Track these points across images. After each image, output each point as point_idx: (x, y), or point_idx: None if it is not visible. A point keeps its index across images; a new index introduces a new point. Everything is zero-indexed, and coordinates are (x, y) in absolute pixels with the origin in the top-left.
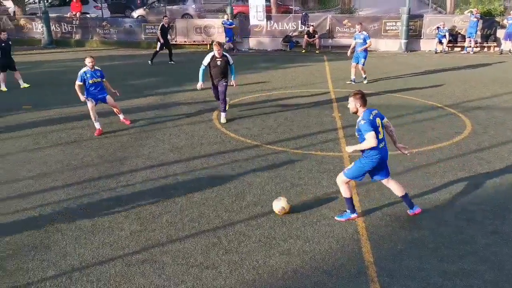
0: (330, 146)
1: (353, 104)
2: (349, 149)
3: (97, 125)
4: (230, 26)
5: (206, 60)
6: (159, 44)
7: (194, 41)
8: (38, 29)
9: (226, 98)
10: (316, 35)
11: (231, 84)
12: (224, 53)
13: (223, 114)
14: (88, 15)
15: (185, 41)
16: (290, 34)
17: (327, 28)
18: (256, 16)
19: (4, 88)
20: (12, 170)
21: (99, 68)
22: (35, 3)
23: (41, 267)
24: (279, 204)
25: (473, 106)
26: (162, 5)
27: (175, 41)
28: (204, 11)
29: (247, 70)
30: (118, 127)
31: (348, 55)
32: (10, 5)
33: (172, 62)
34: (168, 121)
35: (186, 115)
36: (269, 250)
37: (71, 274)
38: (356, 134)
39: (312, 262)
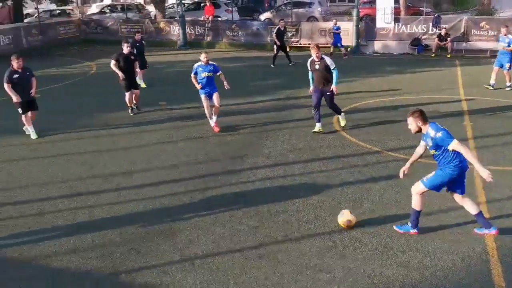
0: None
1: (414, 124)
2: (483, 172)
3: (211, 122)
4: (337, 31)
5: (308, 64)
6: (275, 47)
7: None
8: (175, 31)
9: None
10: (448, 38)
11: (330, 90)
12: (324, 56)
13: (341, 116)
14: (219, 18)
15: (309, 44)
16: (419, 37)
17: (462, 30)
18: (384, 19)
19: (143, 85)
20: (147, 160)
21: (213, 63)
22: (173, 7)
23: (168, 251)
24: (344, 217)
25: None
26: (288, 8)
27: (299, 44)
28: (329, 14)
29: (371, 73)
30: (241, 124)
31: None
32: (152, 10)
33: (292, 63)
34: (289, 121)
35: (307, 117)
36: (386, 260)
37: (193, 261)
38: (433, 151)
39: (433, 278)
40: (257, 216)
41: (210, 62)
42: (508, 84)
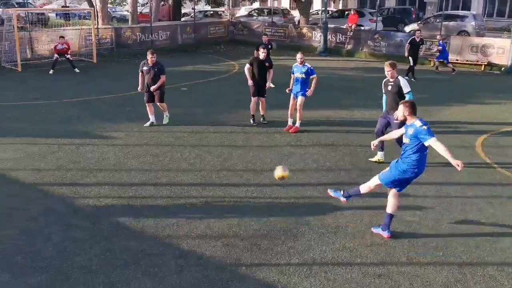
0: None
1: (401, 112)
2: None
3: (289, 121)
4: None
5: (382, 83)
6: (411, 59)
7: (467, 61)
8: (316, 37)
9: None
10: None
11: (395, 118)
12: (399, 77)
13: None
14: (362, 27)
15: (457, 60)
16: None
17: None
18: None
19: (272, 85)
20: (277, 160)
21: (308, 65)
22: (317, 14)
23: (287, 252)
24: (277, 172)
25: None
26: (438, 20)
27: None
28: (484, 29)
29: None
30: (372, 139)
31: None
32: (296, 15)
33: (413, 80)
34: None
35: (444, 136)
36: None
37: (311, 266)
38: (407, 140)
39: None
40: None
41: (306, 64)
42: None
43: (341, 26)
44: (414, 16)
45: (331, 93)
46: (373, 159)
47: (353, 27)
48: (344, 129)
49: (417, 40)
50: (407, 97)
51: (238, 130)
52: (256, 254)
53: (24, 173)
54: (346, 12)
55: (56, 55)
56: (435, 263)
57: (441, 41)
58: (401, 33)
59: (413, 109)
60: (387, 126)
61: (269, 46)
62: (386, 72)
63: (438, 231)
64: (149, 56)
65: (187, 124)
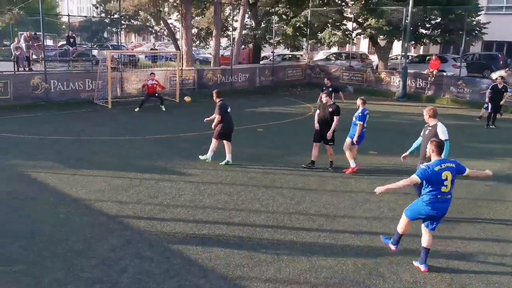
0: None
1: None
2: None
3: (352, 163)
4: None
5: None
6: (490, 105)
7: None
8: (395, 82)
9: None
10: None
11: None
12: (439, 123)
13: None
14: (444, 73)
15: None
16: None
17: None
18: None
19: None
20: (351, 206)
21: (366, 110)
22: (397, 59)
23: None
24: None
25: None
26: None
27: None
28: None
29: None
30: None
31: None
32: (375, 59)
33: (493, 127)
34: None
35: None
36: None
37: None
38: None
39: None
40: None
41: (365, 109)
42: None
43: (422, 72)
44: (501, 62)
45: (409, 140)
46: None
47: (434, 72)
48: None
49: (500, 86)
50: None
51: (312, 173)
52: None
53: (108, 204)
54: (427, 57)
55: (146, 93)
56: None
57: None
58: (486, 80)
59: (438, 148)
60: None
61: (330, 89)
62: (426, 117)
63: None
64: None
65: (262, 165)
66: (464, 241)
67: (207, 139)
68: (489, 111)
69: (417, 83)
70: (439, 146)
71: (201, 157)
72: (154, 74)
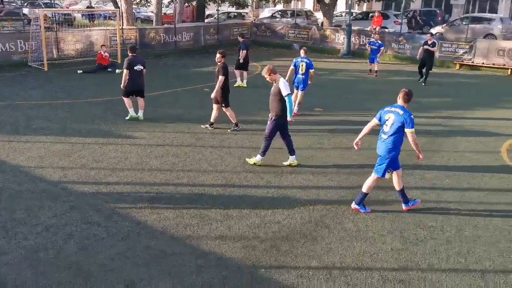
0: None
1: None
2: None
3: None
4: (374, 47)
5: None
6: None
7: (493, 64)
8: (339, 39)
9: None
10: None
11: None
12: (281, 78)
13: (291, 159)
14: (386, 30)
15: (483, 63)
16: None
17: None
18: None
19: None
20: (298, 162)
21: (307, 59)
22: (341, 16)
23: (307, 255)
24: None
25: None
26: (464, 23)
27: (472, 62)
28: (511, 32)
29: None
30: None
31: None
32: (320, 17)
33: (424, 84)
34: (448, 144)
35: (468, 141)
36: None
37: (331, 270)
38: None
39: None
40: (402, 238)
41: (305, 57)
42: None
43: (365, 28)
44: (440, 18)
45: (355, 96)
46: (288, 163)
47: (377, 29)
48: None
49: (429, 42)
50: (287, 100)
51: (260, 132)
52: (275, 257)
53: (49, 171)
54: (371, 14)
55: (97, 64)
56: (457, 271)
57: (374, 40)
58: (426, 36)
59: (406, 96)
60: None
61: (238, 47)
62: (264, 76)
63: (461, 238)
64: None
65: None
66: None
67: (151, 100)
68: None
69: (361, 40)
70: (408, 95)
71: None
72: (105, 46)
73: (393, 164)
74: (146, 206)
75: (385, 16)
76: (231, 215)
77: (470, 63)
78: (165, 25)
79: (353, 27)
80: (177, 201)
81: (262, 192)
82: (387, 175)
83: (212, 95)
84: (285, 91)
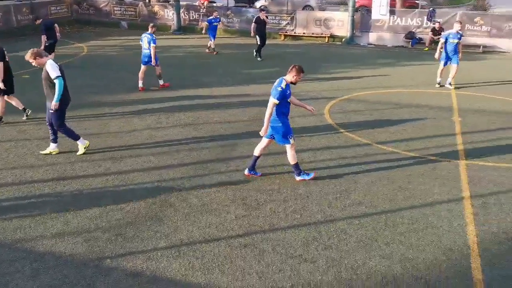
0: (446, 151)
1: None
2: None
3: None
4: (215, 23)
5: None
6: (257, 38)
7: (313, 33)
8: (169, 16)
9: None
10: (442, 33)
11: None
12: (48, 62)
13: (79, 142)
14: (214, 4)
15: (304, 33)
16: (413, 30)
17: None
18: (379, 10)
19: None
20: (137, 145)
21: (150, 35)
22: None
23: (154, 237)
24: None
25: None
26: None
27: (294, 32)
28: (325, 4)
29: (364, 65)
30: (232, 112)
31: None
32: None
33: (260, 59)
34: None
35: (295, 107)
36: (370, 252)
37: (179, 248)
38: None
39: (414, 270)
40: (244, 205)
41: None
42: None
43: (194, 3)
44: None
45: (189, 72)
46: (45, 151)
47: (205, 4)
48: (203, 107)
49: (262, 18)
50: (56, 84)
51: (92, 117)
52: (121, 244)
53: None
54: None
55: None
56: (295, 226)
57: (212, 17)
58: (252, 9)
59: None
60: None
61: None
62: (29, 60)
63: (296, 196)
64: None
65: (34, 116)
66: (242, 159)
67: None
68: (259, 43)
69: (191, 15)
70: (291, 68)
71: None
72: None
73: (285, 131)
74: None
75: None
76: (68, 209)
77: (293, 34)
78: None
79: (181, 2)
80: (1, 204)
81: (101, 180)
82: (291, 141)
83: None
84: (53, 73)
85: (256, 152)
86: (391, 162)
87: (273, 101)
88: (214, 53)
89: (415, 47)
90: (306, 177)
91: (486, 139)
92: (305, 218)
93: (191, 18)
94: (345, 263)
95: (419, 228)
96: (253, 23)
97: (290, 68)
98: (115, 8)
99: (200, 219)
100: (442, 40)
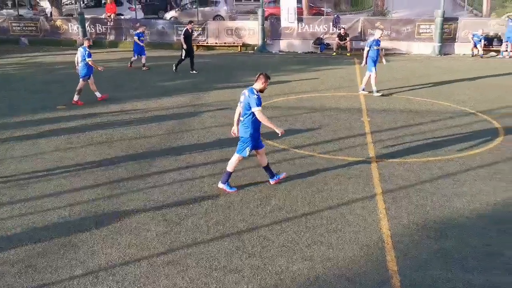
0: (358, 151)
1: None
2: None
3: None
4: (141, 38)
5: None
6: (183, 51)
7: (225, 43)
8: (74, 30)
9: None
10: (348, 38)
11: None
12: None
13: None
14: (122, 17)
15: (216, 43)
16: (321, 37)
17: (359, 30)
18: (288, 18)
19: None
20: (46, 169)
21: (83, 48)
22: (71, 4)
23: (69, 265)
24: None
25: (507, 112)
26: (194, 7)
27: (206, 43)
28: (235, 13)
29: (277, 72)
30: (147, 126)
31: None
32: (47, 6)
33: (194, 72)
34: (195, 123)
35: (212, 117)
36: (292, 255)
37: (97, 273)
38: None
39: (335, 269)
40: (165, 221)
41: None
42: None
43: (100, 16)
44: (172, 3)
45: (102, 87)
46: None
47: (112, 16)
48: (117, 123)
49: (190, 31)
50: None
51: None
52: (32, 276)
53: None
54: (103, 1)
55: None
56: (217, 238)
57: (141, 31)
58: (162, 21)
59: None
60: None
61: None
62: None
63: (217, 207)
64: None
65: None
66: (161, 174)
67: None
68: (182, 57)
69: (97, 29)
70: (259, 76)
71: None
72: None
73: (252, 144)
74: None
75: (118, 3)
76: None
77: (205, 44)
78: None
79: (86, 16)
80: None
81: (5, 210)
82: (245, 154)
83: None
84: None
85: (263, 163)
86: (308, 165)
87: (258, 109)
88: (146, 68)
89: (324, 53)
90: (228, 188)
91: (392, 137)
92: (228, 229)
93: (98, 31)
94: (269, 269)
95: (337, 228)
96: (182, 36)
97: (257, 76)
98: (13, 24)
99: (119, 241)
100: (366, 48)
